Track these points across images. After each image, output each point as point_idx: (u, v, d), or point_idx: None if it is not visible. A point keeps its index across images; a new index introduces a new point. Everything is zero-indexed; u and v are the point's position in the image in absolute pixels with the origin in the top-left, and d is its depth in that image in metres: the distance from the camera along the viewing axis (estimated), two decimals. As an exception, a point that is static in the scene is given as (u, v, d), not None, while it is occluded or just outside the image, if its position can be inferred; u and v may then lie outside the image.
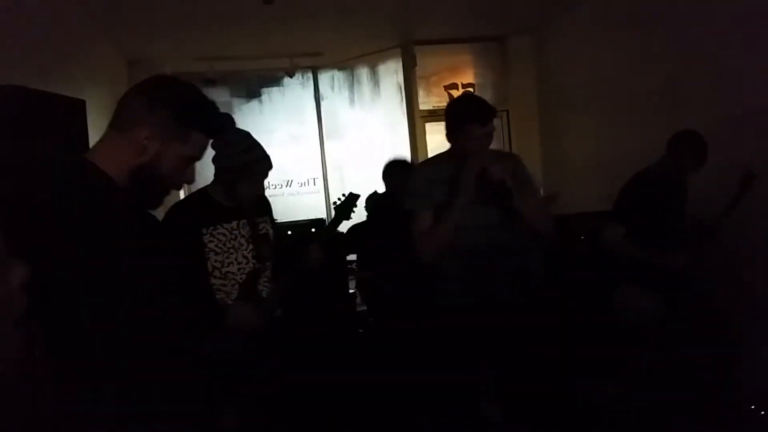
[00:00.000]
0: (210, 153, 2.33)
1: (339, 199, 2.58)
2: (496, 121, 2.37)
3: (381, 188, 3.81)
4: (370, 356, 3.58)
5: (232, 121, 2.35)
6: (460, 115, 2.33)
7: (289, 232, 3.82)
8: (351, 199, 2.54)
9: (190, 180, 1.44)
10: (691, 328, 3.02)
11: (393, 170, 3.64)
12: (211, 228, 2.24)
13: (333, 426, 3.15)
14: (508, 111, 5.72)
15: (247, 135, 2.33)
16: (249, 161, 2.24)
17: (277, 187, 5.59)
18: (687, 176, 3.12)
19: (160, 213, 2.09)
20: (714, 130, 3.21)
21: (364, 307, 3.99)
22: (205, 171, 2.19)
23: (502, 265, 2.41)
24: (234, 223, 2.28)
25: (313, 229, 3.94)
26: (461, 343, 2.41)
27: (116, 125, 1.34)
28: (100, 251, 1.20)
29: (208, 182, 2.35)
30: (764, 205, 3.15)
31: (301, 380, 2.74)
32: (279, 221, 4.54)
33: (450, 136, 2.40)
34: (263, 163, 2.28)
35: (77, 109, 2.90)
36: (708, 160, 3.07)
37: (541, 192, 4.28)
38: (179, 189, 1.51)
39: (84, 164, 1.30)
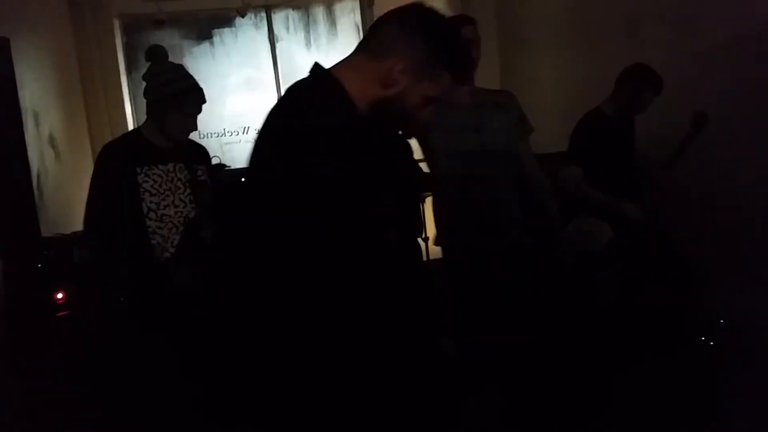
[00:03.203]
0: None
1: None
2: (470, 29, 2.35)
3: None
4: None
5: (165, 53, 2.26)
6: None
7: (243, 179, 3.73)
8: None
9: (427, 120, 1.32)
10: (645, 263, 3.08)
11: None
12: (146, 168, 2.17)
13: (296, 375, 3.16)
14: (468, 52, 5.61)
15: (179, 66, 2.26)
16: (179, 91, 2.17)
17: (234, 134, 5.44)
18: (638, 113, 3.11)
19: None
20: (671, 67, 3.20)
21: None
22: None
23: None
24: (170, 165, 2.23)
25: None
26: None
27: (369, 50, 1.26)
28: (329, 183, 1.08)
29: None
30: (718, 144, 3.18)
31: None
32: (235, 168, 4.45)
33: None
34: (194, 95, 2.21)
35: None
36: (663, 100, 3.06)
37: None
38: (413, 131, 1.38)
39: (333, 83, 1.20)
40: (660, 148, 3.21)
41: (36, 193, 3.55)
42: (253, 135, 5.48)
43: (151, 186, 2.18)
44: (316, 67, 1.29)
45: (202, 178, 2.32)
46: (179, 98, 2.17)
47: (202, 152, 2.43)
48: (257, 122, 5.39)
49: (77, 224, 3.98)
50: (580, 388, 2.72)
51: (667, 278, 3.13)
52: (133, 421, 2.44)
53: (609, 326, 3.01)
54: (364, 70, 1.24)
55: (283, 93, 1.30)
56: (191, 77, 2.24)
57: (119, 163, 2.18)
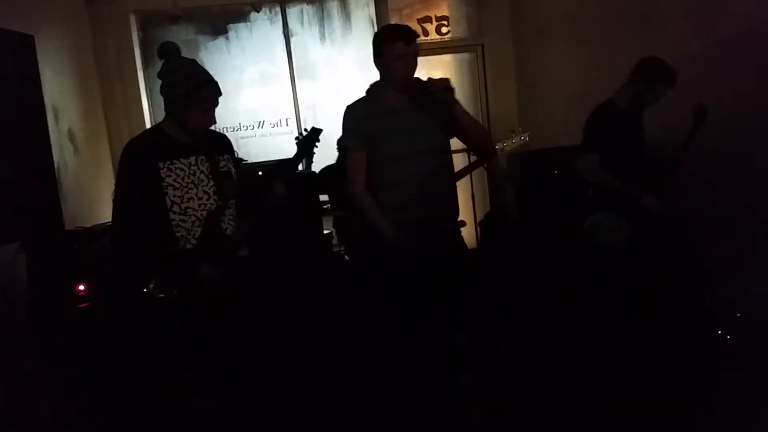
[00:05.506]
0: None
1: (301, 134, 2.55)
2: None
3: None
4: (346, 293, 3.60)
5: (177, 49, 2.28)
6: (387, 35, 2.46)
7: (260, 173, 3.77)
8: (313, 133, 2.50)
9: None
10: (660, 256, 3.08)
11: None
12: (168, 162, 2.20)
13: (310, 368, 3.18)
14: (483, 45, 5.60)
15: (193, 62, 2.27)
16: (194, 86, 2.18)
17: (249, 128, 5.47)
18: (650, 104, 3.12)
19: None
20: (685, 60, 3.19)
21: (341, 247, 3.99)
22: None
23: (439, 190, 2.48)
24: (192, 159, 2.25)
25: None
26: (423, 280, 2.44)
27: None
28: None
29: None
30: (731, 137, 3.17)
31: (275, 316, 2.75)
32: (251, 162, 4.49)
33: (378, 59, 2.49)
34: (210, 89, 2.22)
35: (25, 45, 2.77)
36: (676, 92, 3.05)
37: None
38: None
39: None
40: (671, 141, 3.20)
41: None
42: (267, 129, 5.51)
43: (174, 180, 2.21)
44: None
45: (225, 169, 2.34)
46: (195, 94, 2.18)
47: (224, 142, 2.45)
48: (272, 116, 5.44)
49: (96, 217, 4.05)
50: (588, 383, 2.72)
51: (679, 270, 3.12)
52: (152, 413, 2.48)
53: (621, 319, 3.01)
54: None
55: None
56: (205, 72, 2.25)
57: (142, 158, 2.21)
